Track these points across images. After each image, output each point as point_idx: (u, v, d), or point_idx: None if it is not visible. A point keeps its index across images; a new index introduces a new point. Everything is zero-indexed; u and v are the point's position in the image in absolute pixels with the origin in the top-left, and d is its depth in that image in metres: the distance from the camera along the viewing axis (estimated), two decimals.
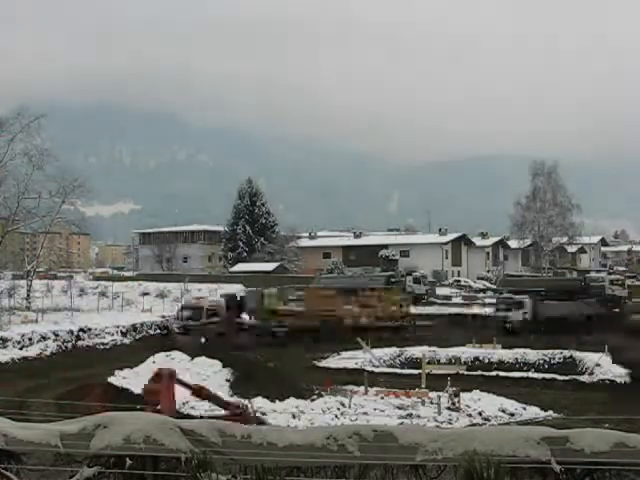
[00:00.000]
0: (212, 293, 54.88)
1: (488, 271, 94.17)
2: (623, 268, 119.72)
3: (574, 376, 28.92)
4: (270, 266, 79.41)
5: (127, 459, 5.51)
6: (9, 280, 57.49)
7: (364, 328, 40.26)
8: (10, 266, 69.08)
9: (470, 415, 21.26)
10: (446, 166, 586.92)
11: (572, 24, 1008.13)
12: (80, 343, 37.18)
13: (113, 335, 40.07)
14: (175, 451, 5.44)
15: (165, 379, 12.63)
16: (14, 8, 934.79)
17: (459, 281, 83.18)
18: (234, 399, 18.81)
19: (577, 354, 33.95)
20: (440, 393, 22.28)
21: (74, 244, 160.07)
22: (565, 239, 76.44)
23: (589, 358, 32.52)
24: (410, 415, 20.91)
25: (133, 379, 22.76)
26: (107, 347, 38.30)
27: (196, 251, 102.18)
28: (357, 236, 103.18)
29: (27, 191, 45.49)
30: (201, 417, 16.85)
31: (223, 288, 54.33)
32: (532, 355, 34.70)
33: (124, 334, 40.89)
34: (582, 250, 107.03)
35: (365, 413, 20.53)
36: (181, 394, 13.51)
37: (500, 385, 26.33)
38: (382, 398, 23.16)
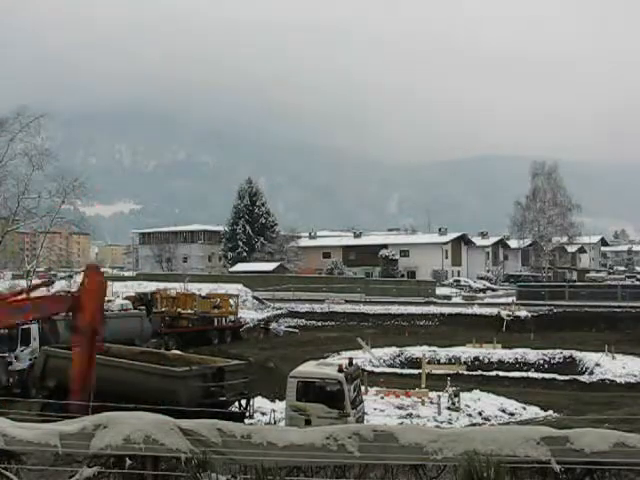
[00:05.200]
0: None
1: (488, 271, 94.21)
2: (623, 268, 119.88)
3: (574, 376, 28.92)
4: (270, 266, 79.35)
5: (127, 459, 5.51)
6: (9, 280, 57.50)
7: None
8: (10, 266, 69.09)
9: (470, 415, 21.26)
10: (446, 166, 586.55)
11: (572, 25, 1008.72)
12: None
13: None
14: (175, 451, 5.44)
15: None
16: (14, 7, 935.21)
17: (459, 281, 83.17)
18: None
19: (577, 354, 33.95)
20: (440, 393, 22.28)
21: (74, 244, 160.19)
22: (565, 239, 76.37)
23: (589, 358, 32.52)
24: (410, 415, 20.91)
25: None
26: None
27: (196, 251, 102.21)
28: (357, 236, 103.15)
29: (27, 191, 45.37)
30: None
31: (223, 288, 54.22)
32: (532, 355, 34.68)
33: None
34: (582, 250, 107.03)
35: (365, 413, 20.50)
36: None
37: (500, 385, 26.32)
38: (382, 398, 23.15)
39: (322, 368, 16.38)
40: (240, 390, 17.61)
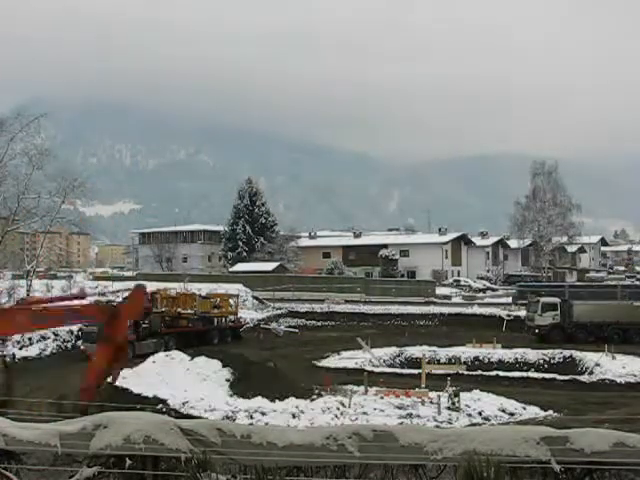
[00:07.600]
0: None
1: (488, 271, 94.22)
2: (623, 268, 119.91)
3: (574, 376, 28.89)
4: (270, 266, 79.31)
5: (127, 459, 5.51)
6: (9, 280, 57.41)
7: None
8: (10, 266, 69.05)
9: (470, 415, 21.23)
10: (446, 166, 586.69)
11: (572, 27, 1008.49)
12: (80, 343, 37.09)
13: None
14: (175, 451, 5.44)
15: None
16: (14, 6, 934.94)
17: (459, 281, 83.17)
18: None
19: (577, 354, 33.93)
20: (440, 393, 22.25)
21: (74, 244, 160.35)
22: (565, 239, 76.37)
23: (589, 358, 32.50)
24: (410, 415, 20.88)
25: (134, 379, 22.67)
26: None
27: (196, 251, 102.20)
28: (357, 236, 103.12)
29: (27, 191, 45.39)
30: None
31: (223, 288, 54.19)
32: (532, 355, 34.66)
33: None
34: (582, 250, 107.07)
35: (365, 413, 20.48)
36: None
37: (500, 385, 26.30)
38: (382, 398, 23.12)
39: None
40: None
